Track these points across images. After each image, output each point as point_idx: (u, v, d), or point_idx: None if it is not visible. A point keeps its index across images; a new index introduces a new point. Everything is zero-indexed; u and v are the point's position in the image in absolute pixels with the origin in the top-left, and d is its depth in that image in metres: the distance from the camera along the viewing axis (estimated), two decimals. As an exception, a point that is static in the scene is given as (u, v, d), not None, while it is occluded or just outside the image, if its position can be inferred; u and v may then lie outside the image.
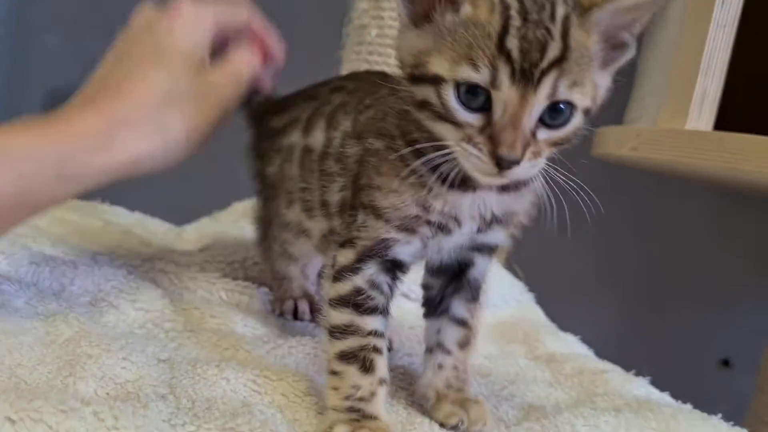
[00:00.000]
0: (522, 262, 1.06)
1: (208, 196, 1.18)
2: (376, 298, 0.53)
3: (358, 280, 0.52)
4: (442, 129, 0.47)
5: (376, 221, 0.52)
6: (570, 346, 0.86)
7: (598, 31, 0.47)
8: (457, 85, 0.45)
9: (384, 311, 0.53)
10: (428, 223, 0.52)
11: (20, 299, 0.63)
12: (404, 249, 0.53)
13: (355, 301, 0.52)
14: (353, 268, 0.53)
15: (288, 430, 0.49)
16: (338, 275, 0.53)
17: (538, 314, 0.96)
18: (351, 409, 0.50)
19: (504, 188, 0.52)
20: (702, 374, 1.50)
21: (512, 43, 0.44)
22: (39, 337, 0.56)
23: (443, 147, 0.48)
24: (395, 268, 0.54)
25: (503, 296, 0.94)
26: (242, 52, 0.64)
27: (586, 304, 1.48)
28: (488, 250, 0.57)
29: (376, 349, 0.52)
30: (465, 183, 0.51)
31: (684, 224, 1.43)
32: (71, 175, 0.54)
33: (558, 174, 0.49)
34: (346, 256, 0.53)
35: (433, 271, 0.59)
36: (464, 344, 0.59)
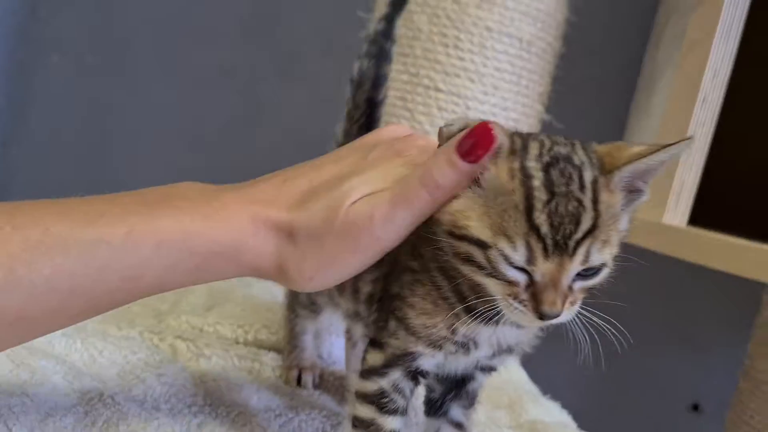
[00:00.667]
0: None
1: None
2: (397, 401, 0.57)
3: (384, 383, 0.57)
4: (487, 282, 0.49)
5: (406, 334, 0.55)
6: (551, 413, 0.93)
7: (621, 187, 0.49)
8: (500, 251, 0.47)
9: (404, 412, 0.57)
10: (453, 343, 0.55)
11: (57, 375, 0.70)
12: (429, 361, 0.57)
13: (379, 402, 0.56)
14: (380, 372, 0.57)
15: None
16: (366, 374, 0.58)
17: (522, 376, 1.03)
18: None
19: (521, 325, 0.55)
20: (674, 419, 1.58)
21: (540, 219, 0.46)
22: (79, 418, 0.63)
23: (486, 295, 0.50)
24: (418, 375, 0.58)
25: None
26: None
27: (561, 355, 1.56)
28: (490, 370, 0.62)
29: None
30: (485, 315, 0.53)
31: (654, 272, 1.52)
32: (211, 270, 0.53)
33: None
34: (375, 359, 0.57)
35: (437, 377, 0.63)
36: None
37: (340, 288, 0.67)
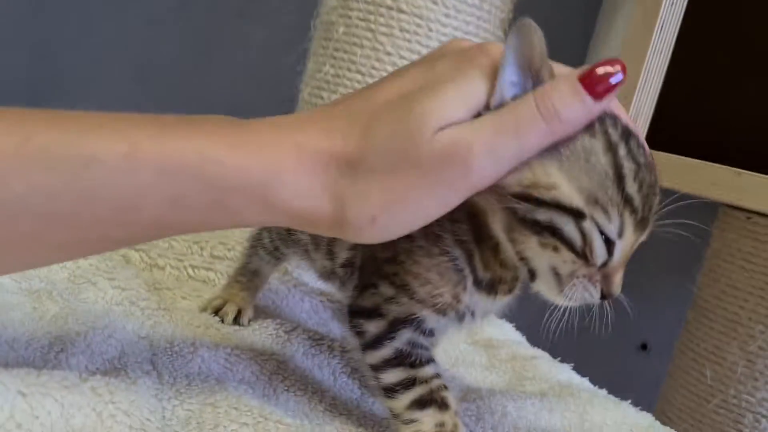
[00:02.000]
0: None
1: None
2: (422, 354, 0.53)
3: (398, 344, 0.53)
4: (556, 258, 0.45)
5: (410, 301, 0.51)
6: (506, 332, 0.95)
7: None
8: (596, 224, 0.44)
9: (433, 360, 0.54)
10: (456, 311, 0.52)
11: (4, 276, 0.68)
12: (435, 324, 0.53)
13: (404, 361, 0.53)
14: (388, 336, 0.52)
15: (260, 405, 0.55)
16: (375, 343, 0.53)
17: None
18: None
19: (509, 291, 0.54)
20: (623, 358, 1.63)
21: (632, 190, 0.44)
22: (27, 312, 0.61)
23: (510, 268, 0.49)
24: (427, 331, 0.54)
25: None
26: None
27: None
28: None
29: (444, 387, 0.53)
30: (492, 288, 0.52)
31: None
32: (231, 210, 0.44)
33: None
34: (377, 326, 0.53)
35: None
36: None
37: (315, 242, 0.62)
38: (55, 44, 1.77)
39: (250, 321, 0.73)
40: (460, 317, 0.53)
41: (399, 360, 0.53)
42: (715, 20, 1.26)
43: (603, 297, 0.47)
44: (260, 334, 0.71)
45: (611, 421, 0.70)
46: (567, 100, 0.42)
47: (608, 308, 0.50)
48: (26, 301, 0.64)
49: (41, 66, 1.78)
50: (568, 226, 0.44)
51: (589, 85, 0.42)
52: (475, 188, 0.42)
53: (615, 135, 0.44)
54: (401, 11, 0.98)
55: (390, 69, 0.98)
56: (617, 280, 0.46)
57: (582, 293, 0.46)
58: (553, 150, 0.43)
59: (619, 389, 1.33)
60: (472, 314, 0.54)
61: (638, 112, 0.94)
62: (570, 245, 0.44)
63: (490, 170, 0.42)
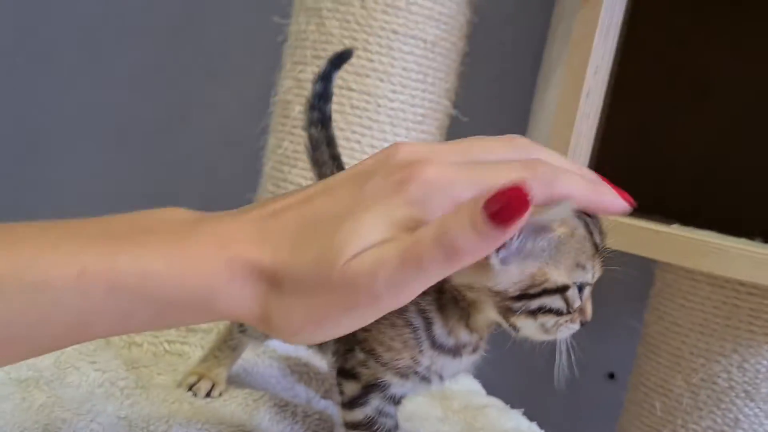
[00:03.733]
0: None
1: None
2: (387, 423, 0.60)
3: (369, 410, 0.60)
4: (550, 320, 0.52)
5: (376, 365, 0.58)
6: (463, 383, 1.02)
7: None
8: (575, 285, 0.52)
9: (395, 428, 0.61)
10: (416, 373, 0.58)
11: (-5, 366, 0.75)
12: (400, 389, 0.60)
13: (371, 428, 0.60)
14: (361, 401, 0.60)
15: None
16: (350, 404, 0.60)
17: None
18: None
19: (473, 351, 0.60)
20: (593, 387, 1.70)
21: (597, 238, 0.52)
22: (17, 403, 0.69)
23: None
24: (394, 398, 0.61)
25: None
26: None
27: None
28: None
29: None
30: (455, 350, 0.58)
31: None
32: (172, 318, 0.47)
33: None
34: (352, 388, 0.60)
35: None
36: None
37: None
38: (31, 106, 1.85)
39: (221, 394, 0.80)
40: (426, 380, 0.59)
41: (367, 426, 0.60)
42: (644, 84, 1.37)
43: (581, 325, 0.55)
44: (230, 404, 0.78)
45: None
46: (467, 235, 0.41)
47: (571, 342, 0.56)
48: (15, 391, 0.71)
49: (21, 129, 1.85)
50: (556, 302, 0.51)
51: (496, 217, 0.40)
52: (383, 311, 0.44)
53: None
54: (351, 89, 1.07)
55: (343, 143, 1.06)
56: (589, 308, 0.55)
57: (567, 331, 0.54)
58: (537, 255, 0.49)
59: (588, 417, 1.40)
60: (440, 377, 0.59)
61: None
62: (558, 312, 0.52)
63: (395, 298, 0.43)
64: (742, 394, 1.08)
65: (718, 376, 1.09)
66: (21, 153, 1.86)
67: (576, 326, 0.55)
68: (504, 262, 0.48)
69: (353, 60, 1.07)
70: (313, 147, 0.77)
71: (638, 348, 1.25)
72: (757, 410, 1.09)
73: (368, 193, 0.45)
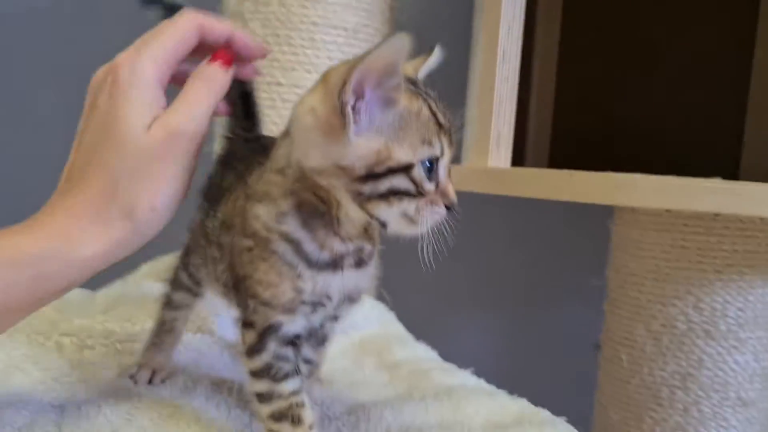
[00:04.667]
0: (406, 285, 1.23)
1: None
2: (284, 368, 0.62)
3: (266, 357, 0.62)
4: (404, 205, 0.55)
5: (263, 308, 0.60)
6: (416, 353, 1.04)
7: None
8: (421, 163, 0.55)
9: (294, 373, 0.63)
10: (304, 303, 0.60)
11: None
12: (293, 326, 0.62)
13: (269, 374, 0.62)
14: (258, 348, 0.62)
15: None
16: (249, 353, 0.63)
17: (398, 329, 1.14)
18: None
19: (358, 264, 0.62)
20: (580, 358, 1.69)
21: (442, 118, 0.56)
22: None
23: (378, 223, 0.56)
24: (293, 340, 0.63)
25: (366, 317, 1.12)
26: (187, 93, 0.61)
27: (475, 314, 1.68)
28: (337, 318, 0.69)
29: (299, 405, 0.63)
30: (335, 264, 0.60)
31: (542, 235, 1.64)
32: (50, 276, 0.56)
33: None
34: (250, 337, 0.62)
35: None
36: (309, 375, 0.73)
37: (210, 274, 0.72)
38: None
39: (163, 380, 0.83)
40: (317, 305, 0.61)
41: (264, 372, 0.62)
42: (592, 36, 1.39)
43: (448, 208, 0.57)
44: (169, 388, 0.81)
45: (484, 410, 0.79)
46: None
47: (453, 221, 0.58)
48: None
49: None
50: (403, 182, 0.54)
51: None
52: (198, 141, 0.60)
53: (422, 89, 0.57)
54: (279, 84, 1.11)
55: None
56: (451, 190, 0.57)
57: (432, 216, 0.56)
58: (383, 130, 0.53)
59: (583, 389, 1.40)
60: (329, 297, 0.61)
61: (499, 136, 1.05)
62: (408, 194, 0.55)
63: (198, 125, 0.59)
64: (702, 334, 1.08)
65: (677, 320, 1.10)
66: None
67: (440, 210, 0.56)
68: (357, 133, 0.52)
69: (279, 55, 1.11)
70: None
71: (605, 306, 1.26)
72: (719, 348, 1.08)
73: (104, 104, 0.60)
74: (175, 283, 0.84)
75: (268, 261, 0.59)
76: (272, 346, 0.62)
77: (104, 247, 0.57)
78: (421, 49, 0.61)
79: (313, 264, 0.59)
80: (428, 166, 0.55)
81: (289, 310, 0.60)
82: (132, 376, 0.82)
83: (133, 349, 0.95)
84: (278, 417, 0.62)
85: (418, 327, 1.15)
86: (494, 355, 1.71)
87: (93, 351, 0.93)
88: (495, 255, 1.67)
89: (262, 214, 0.60)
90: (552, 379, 1.71)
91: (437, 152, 0.55)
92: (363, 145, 0.53)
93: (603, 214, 1.26)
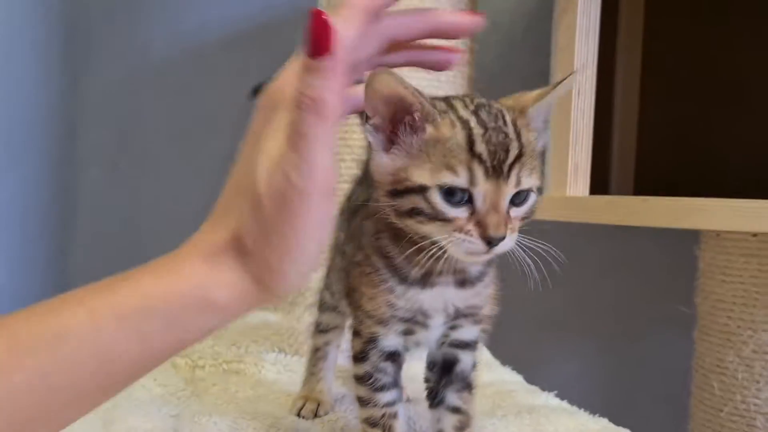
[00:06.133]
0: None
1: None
2: (383, 379, 0.64)
3: (367, 367, 0.64)
4: (432, 228, 0.55)
5: (367, 319, 0.63)
6: (502, 376, 1.08)
7: (533, 126, 0.58)
8: (440, 188, 0.54)
9: (392, 386, 0.65)
10: (399, 318, 0.62)
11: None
12: (389, 342, 0.63)
13: (368, 383, 0.64)
14: (362, 357, 0.64)
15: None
16: (355, 359, 0.65)
17: (485, 355, 1.18)
18: None
19: (461, 284, 0.62)
20: (673, 385, 1.66)
21: (480, 148, 0.54)
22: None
23: (431, 245, 0.55)
24: (392, 356, 0.64)
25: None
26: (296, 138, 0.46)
27: (563, 341, 1.70)
28: (466, 345, 0.67)
29: (392, 416, 0.65)
30: (424, 280, 0.60)
31: (630, 263, 1.64)
32: (185, 325, 0.50)
33: (528, 240, 0.58)
34: (356, 345, 0.65)
35: (430, 367, 0.69)
36: (461, 429, 0.67)
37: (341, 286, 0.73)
38: (138, 204, 2.09)
39: (327, 412, 0.86)
40: (413, 322, 0.62)
41: (365, 379, 0.64)
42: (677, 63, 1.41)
43: (488, 243, 0.54)
44: (266, 399, 0.89)
45: (563, 428, 0.82)
46: (307, 81, 0.45)
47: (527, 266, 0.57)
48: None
49: (129, 225, 2.09)
50: (421, 203, 0.54)
51: (315, 48, 0.44)
52: (321, 193, 0.46)
53: (466, 113, 0.56)
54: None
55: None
56: (490, 222, 0.54)
57: (461, 244, 0.54)
58: (404, 152, 0.55)
59: (674, 417, 1.37)
60: (424, 314, 0.61)
61: (577, 166, 1.09)
62: (429, 216, 0.54)
63: (315, 175, 0.45)
64: (796, 360, 1.07)
65: (768, 345, 1.08)
66: (134, 247, 2.09)
67: (473, 240, 0.54)
68: (383, 149, 0.55)
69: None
70: None
71: (695, 334, 1.25)
72: (814, 375, 1.06)
73: (255, 128, 0.50)
74: (320, 305, 0.87)
75: (370, 275, 0.61)
76: (373, 358, 0.64)
77: (238, 296, 0.50)
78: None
79: (404, 279, 0.60)
80: (447, 191, 0.54)
81: (384, 323, 0.62)
82: (299, 412, 0.85)
83: (238, 368, 1.04)
84: (372, 423, 0.66)
85: (505, 353, 1.18)
86: (582, 382, 1.70)
87: (203, 370, 1.03)
88: (584, 282, 1.68)
89: (368, 231, 0.63)
90: (642, 407, 1.69)
91: (462, 182, 0.54)
92: (388, 163, 0.56)
93: (690, 241, 1.27)
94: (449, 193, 0.54)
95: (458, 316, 0.63)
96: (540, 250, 0.58)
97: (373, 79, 0.53)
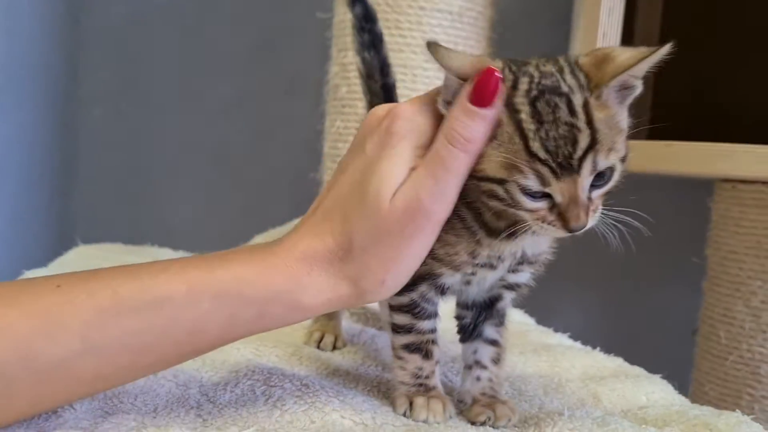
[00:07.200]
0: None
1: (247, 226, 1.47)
2: (428, 308, 0.64)
3: (414, 296, 0.63)
4: (515, 213, 0.55)
5: (432, 261, 0.60)
6: (514, 317, 1.09)
7: (612, 97, 0.54)
8: (517, 183, 0.52)
9: (434, 315, 0.65)
10: (474, 265, 0.62)
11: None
12: (450, 279, 0.63)
13: (412, 311, 0.64)
14: (410, 288, 0.62)
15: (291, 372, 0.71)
16: (399, 291, 0.62)
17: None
18: (417, 384, 0.64)
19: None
20: (680, 336, 1.69)
21: (536, 147, 0.51)
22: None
23: (515, 219, 0.56)
24: (442, 288, 0.64)
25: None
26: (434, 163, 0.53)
27: (572, 290, 1.72)
28: (517, 287, 0.68)
29: (433, 342, 0.65)
30: (513, 233, 0.58)
31: (641, 213, 1.65)
32: (271, 317, 0.55)
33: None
34: None
35: (465, 305, 0.69)
36: (497, 360, 0.69)
37: None
38: (141, 145, 2.08)
39: (344, 344, 0.88)
40: (490, 266, 0.62)
41: (409, 308, 0.64)
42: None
43: (570, 231, 0.54)
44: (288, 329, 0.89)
45: (580, 364, 0.83)
46: (465, 123, 0.51)
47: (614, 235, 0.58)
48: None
49: (132, 166, 2.08)
50: (498, 190, 0.54)
51: (478, 99, 0.51)
52: (440, 222, 0.54)
53: (521, 101, 0.52)
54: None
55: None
56: (571, 215, 0.53)
57: (546, 231, 0.55)
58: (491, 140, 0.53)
59: (679, 367, 1.41)
60: (501, 259, 0.61)
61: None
62: (505, 202, 0.54)
63: (443, 205, 0.53)
64: (804, 311, 1.08)
65: (777, 296, 1.10)
66: (138, 188, 2.08)
67: (555, 229, 0.54)
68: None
69: (387, 38, 1.18)
70: (367, 74, 0.78)
71: (704, 284, 1.27)
72: (821, 326, 1.08)
73: (371, 151, 0.55)
74: None
75: (450, 222, 0.58)
76: (423, 288, 0.63)
77: (326, 300, 0.55)
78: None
79: (491, 232, 0.59)
80: (524, 188, 0.53)
81: (456, 267, 0.61)
82: (318, 344, 0.86)
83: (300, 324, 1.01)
84: (413, 349, 0.65)
85: (515, 301, 1.19)
86: (590, 329, 1.72)
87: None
88: (594, 231, 1.69)
89: None
90: (648, 356, 1.72)
91: (532, 184, 0.52)
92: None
93: (702, 192, 1.27)
94: (526, 190, 0.53)
95: (523, 261, 0.63)
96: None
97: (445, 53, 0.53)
